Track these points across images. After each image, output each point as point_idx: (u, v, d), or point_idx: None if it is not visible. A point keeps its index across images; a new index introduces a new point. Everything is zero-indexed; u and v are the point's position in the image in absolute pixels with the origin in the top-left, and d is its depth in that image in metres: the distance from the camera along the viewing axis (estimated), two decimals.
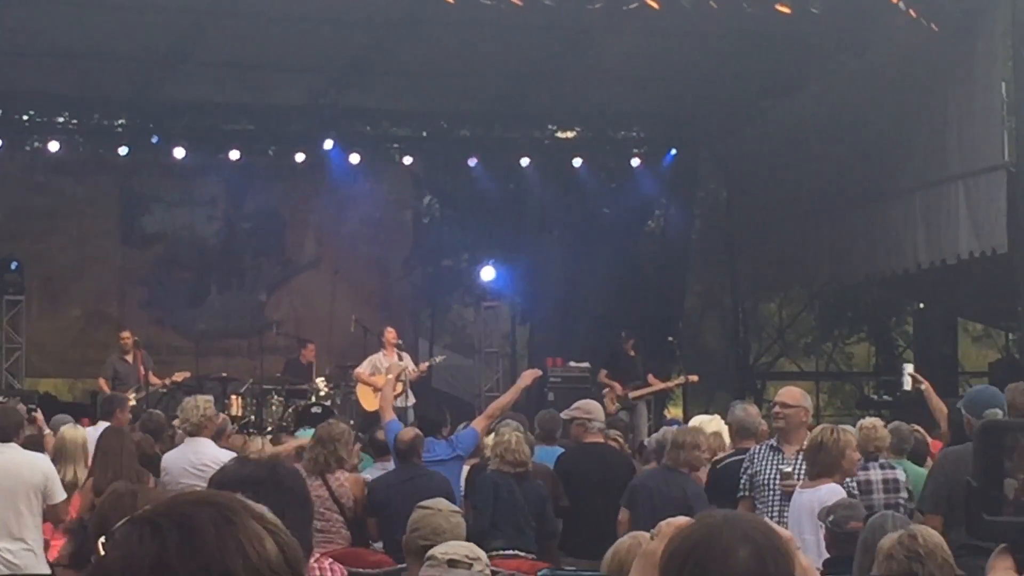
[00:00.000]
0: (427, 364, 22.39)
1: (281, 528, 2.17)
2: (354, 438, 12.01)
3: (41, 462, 11.06)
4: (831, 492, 9.30)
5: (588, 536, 11.41)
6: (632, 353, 23.19)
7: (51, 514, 10.92)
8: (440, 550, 6.10)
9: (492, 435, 12.27)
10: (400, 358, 21.75)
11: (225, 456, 11.86)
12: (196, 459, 11.84)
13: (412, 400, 21.44)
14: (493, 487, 11.34)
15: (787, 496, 9.99)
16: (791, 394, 10.60)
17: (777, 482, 10.10)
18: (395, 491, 10.93)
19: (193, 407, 12.39)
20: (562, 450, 13.33)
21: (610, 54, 22.84)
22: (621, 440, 14.92)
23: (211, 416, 12.36)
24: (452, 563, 5.89)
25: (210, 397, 13.73)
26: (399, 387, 21.34)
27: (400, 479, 11.61)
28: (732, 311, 29.44)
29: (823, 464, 9.56)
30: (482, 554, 6.32)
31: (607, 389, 22.38)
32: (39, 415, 16.35)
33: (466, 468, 12.78)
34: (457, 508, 7.21)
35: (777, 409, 10.52)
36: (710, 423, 14.13)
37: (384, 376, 21.50)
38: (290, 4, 20.20)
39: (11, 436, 10.94)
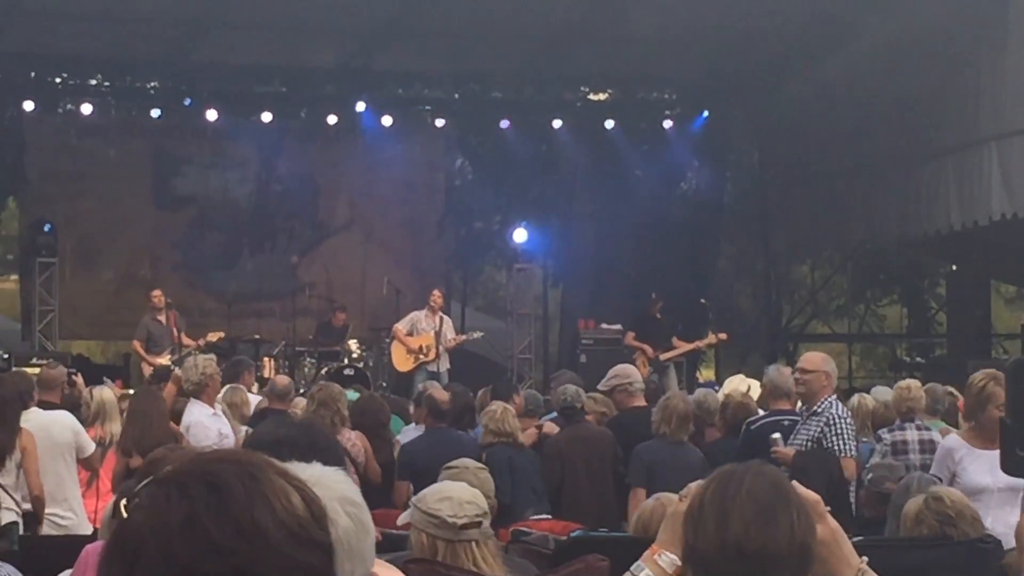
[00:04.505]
0: (464, 337, 22.45)
1: (304, 484, 2.18)
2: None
3: (65, 418, 11.09)
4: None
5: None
6: (658, 316, 23.16)
7: (86, 466, 11.04)
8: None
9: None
10: (442, 321, 21.87)
11: (201, 415, 11.91)
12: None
13: (447, 365, 21.59)
14: (507, 461, 11.35)
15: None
16: (811, 360, 10.61)
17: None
18: (429, 454, 10.76)
19: (192, 366, 12.40)
20: None
21: (643, 16, 22.75)
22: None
23: (211, 374, 12.24)
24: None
25: (212, 356, 13.47)
26: (433, 352, 21.50)
27: (434, 442, 11.62)
28: (764, 274, 29.38)
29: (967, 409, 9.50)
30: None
31: (637, 352, 22.35)
32: (79, 378, 16.46)
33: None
34: (483, 465, 7.15)
35: (797, 375, 10.54)
36: (743, 384, 14.14)
37: (419, 338, 21.65)
38: None
39: (27, 402, 10.88)
